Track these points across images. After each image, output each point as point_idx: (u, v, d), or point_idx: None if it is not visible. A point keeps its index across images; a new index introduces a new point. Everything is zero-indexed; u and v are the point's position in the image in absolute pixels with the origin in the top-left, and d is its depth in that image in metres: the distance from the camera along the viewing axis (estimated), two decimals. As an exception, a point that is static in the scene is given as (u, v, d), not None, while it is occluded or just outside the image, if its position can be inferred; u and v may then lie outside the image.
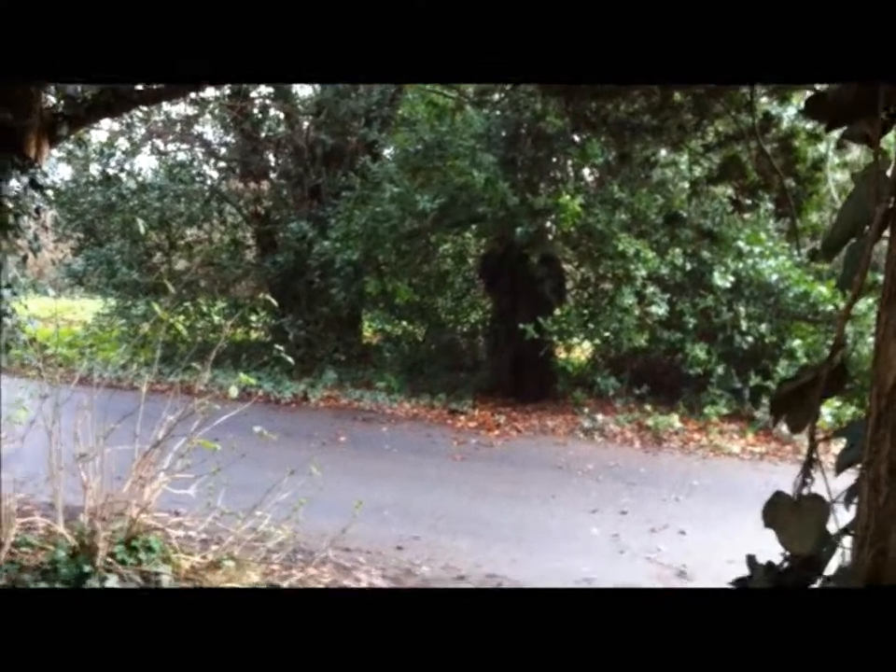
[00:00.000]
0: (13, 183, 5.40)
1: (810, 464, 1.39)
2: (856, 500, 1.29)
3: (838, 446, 1.52)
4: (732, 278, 11.61)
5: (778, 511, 1.39)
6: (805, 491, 1.39)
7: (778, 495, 1.41)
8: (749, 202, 3.76)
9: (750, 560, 1.51)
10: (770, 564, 1.45)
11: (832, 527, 1.40)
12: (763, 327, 11.60)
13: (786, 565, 1.43)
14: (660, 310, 11.49)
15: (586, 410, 11.75)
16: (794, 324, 11.61)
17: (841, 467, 1.41)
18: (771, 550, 1.51)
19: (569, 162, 12.83)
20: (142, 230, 12.46)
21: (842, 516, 1.41)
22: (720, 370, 11.58)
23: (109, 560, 5.12)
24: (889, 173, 1.29)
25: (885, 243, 1.29)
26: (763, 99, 3.38)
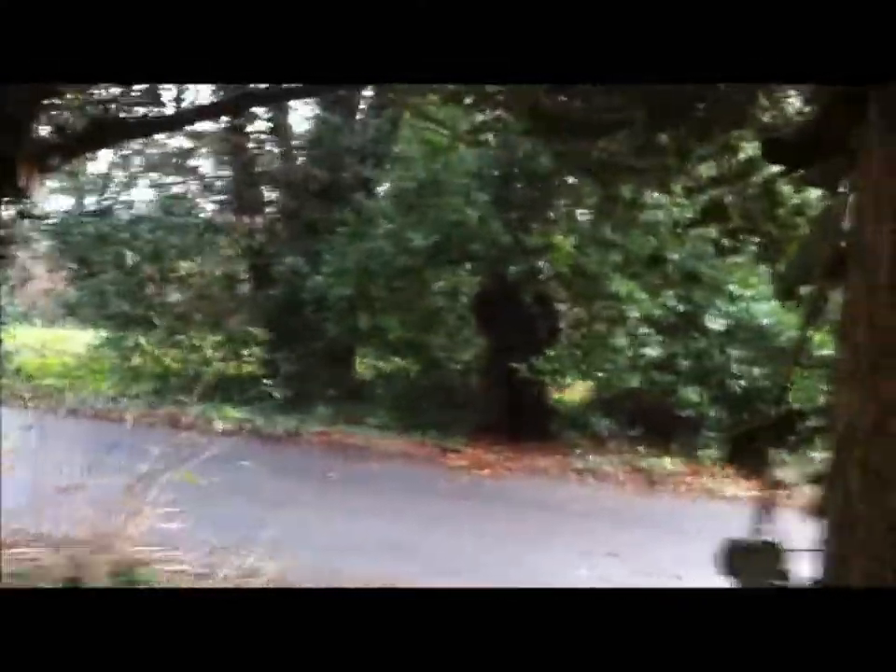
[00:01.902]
0: (3, 213, 5.41)
1: (764, 509, 1.38)
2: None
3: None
4: (724, 321, 11.63)
5: (732, 557, 1.37)
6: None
7: (731, 540, 1.39)
8: (731, 245, 3.78)
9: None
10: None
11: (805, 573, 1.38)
12: (756, 370, 11.59)
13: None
14: (653, 351, 11.49)
15: (579, 450, 11.70)
16: (787, 367, 11.59)
17: (811, 513, 1.39)
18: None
19: (562, 202, 12.90)
20: (129, 261, 12.45)
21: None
22: (713, 412, 11.56)
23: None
24: (843, 217, 1.29)
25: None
26: (745, 143, 3.41)
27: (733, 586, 1.38)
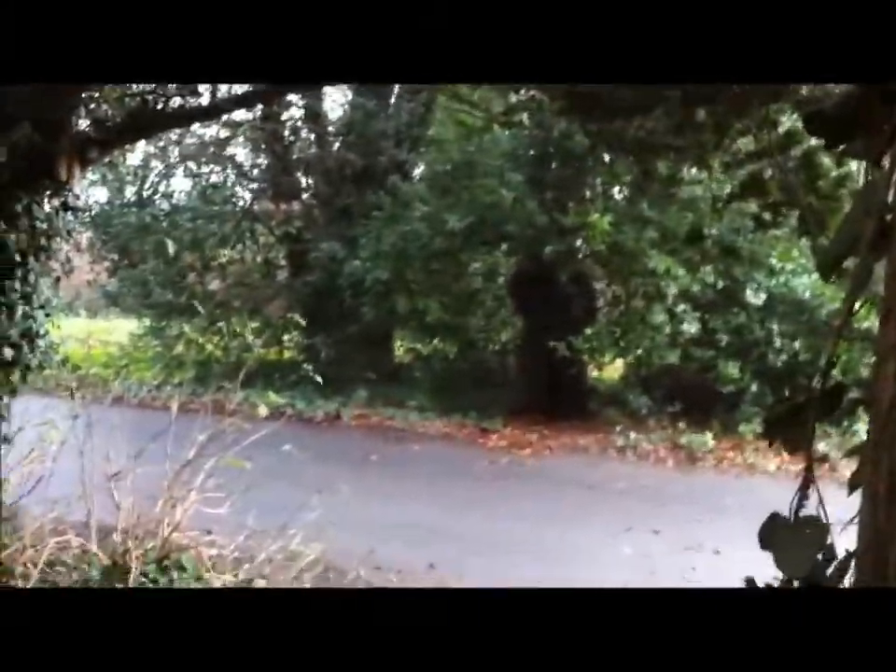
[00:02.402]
0: (46, 206, 5.49)
1: (807, 484, 1.38)
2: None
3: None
4: (764, 295, 11.52)
5: (774, 533, 1.37)
6: (803, 512, 1.37)
7: (774, 516, 1.39)
8: (772, 219, 3.74)
9: (749, 583, 1.49)
10: (769, 586, 1.43)
11: (840, 550, 1.38)
12: (797, 344, 11.48)
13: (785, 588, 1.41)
14: (691, 328, 11.41)
15: (618, 428, 11.67)
16: (828, 341, 11.47)
17: (853, 486, 1.39)
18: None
19: (598, 180, 12.82)
20: (171, 251, 12.58)
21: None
22: (753, 387, 11.48)
23: (142, 579, 5.16)
24: (889, 189, 1.28)
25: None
26: (785, 116, 3.37)
27: (776, 562, 1.38)
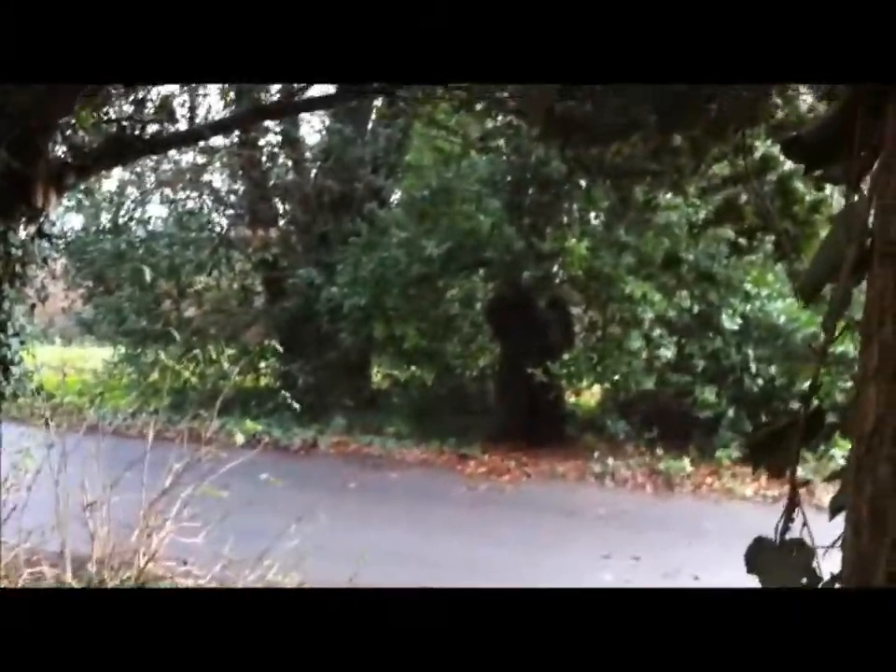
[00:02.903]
0: (21, 233, 5.46)
1: (792, 508, 1.38)
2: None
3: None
4: (739, 320, 11.59)
5: (761, 557, 1.37)
6: (788, 536, 1.37)
7: (760, 540, 1.39)
8: (747, 244, 3.77)
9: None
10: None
11: (825, 574, 1.38)
12: (773, 368, 11.55)
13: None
14: (668, 353, 11.45)
15: (597, 454, 11.68)
16: (805, 365, 11.54)
17: (834, 510, 1.39)
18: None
19: (575, 206, 12.90)
20: (147, 277, 12.54)
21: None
22: (730, 412, 11.52)
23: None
24: (869, 213, 1.28)
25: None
26: (760, 142, 3.41)
27: (762, 585, 1.38)
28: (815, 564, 1.39)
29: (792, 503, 1.38)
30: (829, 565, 1.40)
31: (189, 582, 5.79)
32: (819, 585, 1.37)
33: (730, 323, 11.53)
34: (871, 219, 1.27)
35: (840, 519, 1.38)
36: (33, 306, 5.79)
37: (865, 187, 1.35)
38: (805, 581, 1.36)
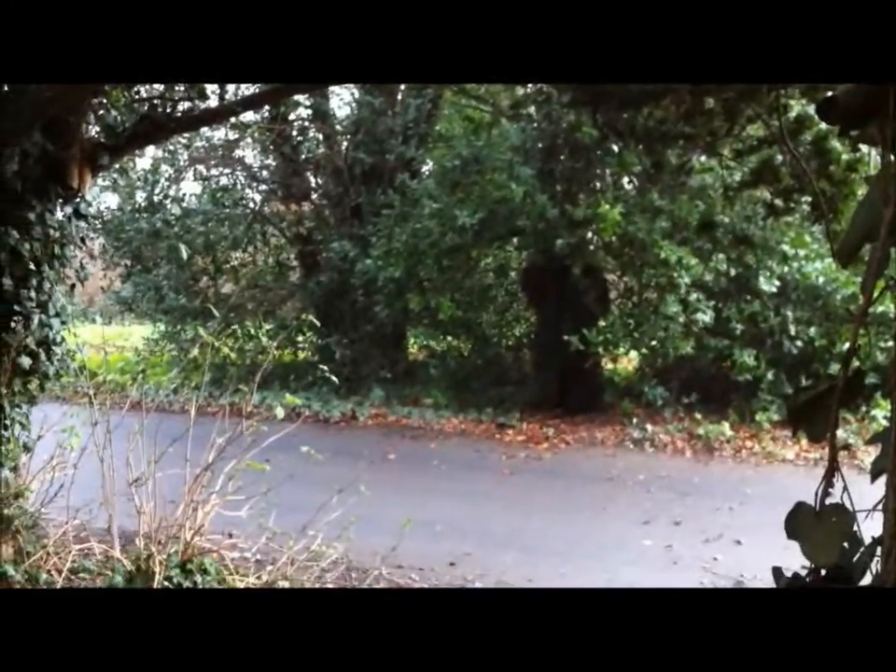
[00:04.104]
0: (58, 214, 5.51)
1: (832, 473, 1.38)
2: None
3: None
4: (777, 282, 11.46)
5: (801, 522, 1.37)
6: (828, 500, 1.37)
7: (800, 505, 1.39)
8: (784, 206, 3.72)
9: (776, 572, 1.48)
10: (796, 575, 1.43)
11: (867, 538, 1.37)
12: (813, 330, 11.43)
13: (812, 576, 1.41)
14: (705, 317, 11.35)
15: (635, 420, 11.66)
16: (844, 326, 11.40)
17: (876, 473, 1.38)
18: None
19: (608, 172, 12.79)
20: (184, 255, 12.63)
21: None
22: (769, 375, 11.43)
23: (165, 583, 5.18)
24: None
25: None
26: (794, 101, 3.34)
27: (802, 551, 1.38)
28: (855, 528, 1.39)
29: (832, 467, 1.38)
30: (872, 528, 1.40)
31: (234, 555, 5.88)
32: (860, 549, 1.37)
33: (768, 285, 11.40)
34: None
35: (882, 481, 1.38)
36: (72, 286, 5.84)
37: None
38: (845, 545, 1.36)
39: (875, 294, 1.39)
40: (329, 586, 5.70)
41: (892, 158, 1.32)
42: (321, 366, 8.40)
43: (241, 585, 5.48)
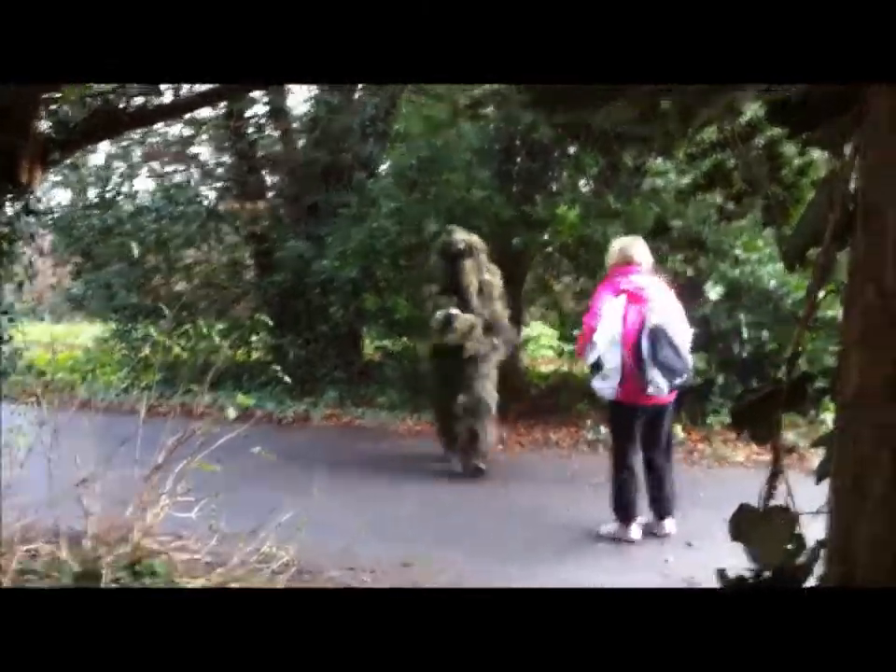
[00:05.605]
0: (7, 210, 5.42)
1: (776, 475, 1.39)
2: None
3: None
4: (721, 289, 11.56)
5: (744, 524, 1.38)
6: (772, 503, 1.38)
7: (744, 507, 1.40)
8: (736, 209, 3.76)
9: (721, 574, 1.49)
10: (741, 577, 1.44)
11: (810, 540, 1.38)
12: (765, 333, 11.56)
13: (756, 578, 1.42)
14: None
15: (589, 422, 11.71)
16: (795, 330, 11.51)
17: (821, 476, 1.40)
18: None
19: (564, 173, 12.84)
20: (135, 253, 12.48)
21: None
22: (720, 378, 11.54)
23: (113, 585, 5.11)
24: (850, 178, 1.28)
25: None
26: (747, 105, 3.37)
27: (746, 553, 1.39)
28: (799, 530, 1.40)
29: (776, 470, 1.38)
30: (815, 531, 1.41)
31: (184, 556, 5.81)
32: (804, 551, 1.38)
33: (719, 289, 11.51)
34: (853, 184, 1.27)
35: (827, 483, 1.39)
36: (21, 283, 5.75)
37: (848, 151, 1.34)
38: (789, 547, 1.37)
39: (822, 298, 1.40)
40: (297, 587, 5.65)
41: (840, 161, 1.33)
42: (275, 366, 8.34)
43: (190, 587, 5.42)
